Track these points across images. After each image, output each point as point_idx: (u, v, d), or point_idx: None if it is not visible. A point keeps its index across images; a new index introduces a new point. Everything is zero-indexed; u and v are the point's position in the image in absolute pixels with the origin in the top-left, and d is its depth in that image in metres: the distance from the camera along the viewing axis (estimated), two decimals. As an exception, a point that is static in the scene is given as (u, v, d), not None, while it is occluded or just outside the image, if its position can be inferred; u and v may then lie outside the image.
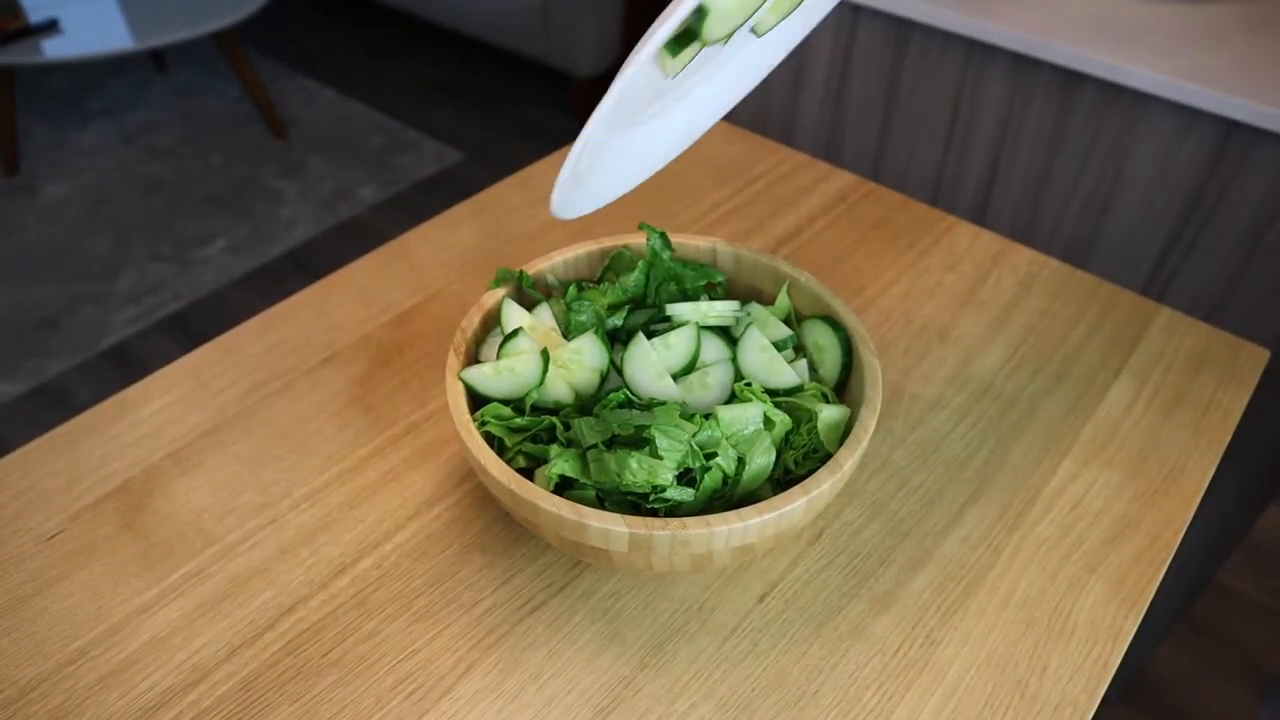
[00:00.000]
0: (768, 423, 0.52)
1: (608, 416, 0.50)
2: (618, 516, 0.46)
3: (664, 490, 0.48)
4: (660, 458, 0.48)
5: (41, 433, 0.69)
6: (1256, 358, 0.74)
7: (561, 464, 0.49)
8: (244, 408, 0.70)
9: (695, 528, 0.46)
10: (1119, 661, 0.55)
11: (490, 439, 0.53)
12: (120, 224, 2.44)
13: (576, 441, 0.51)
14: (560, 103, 2.89)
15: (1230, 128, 1.03)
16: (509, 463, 0.52)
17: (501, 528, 0.61)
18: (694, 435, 0.49)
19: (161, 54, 3.05)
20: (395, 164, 2.65)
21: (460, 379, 0.54)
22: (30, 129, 2.79)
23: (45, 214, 2.48)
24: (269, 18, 3.12)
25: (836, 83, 1.34)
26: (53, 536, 0.61)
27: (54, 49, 2.35)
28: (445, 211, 0.88)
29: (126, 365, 2.06)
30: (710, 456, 0.49)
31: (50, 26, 2.40)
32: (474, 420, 0.52)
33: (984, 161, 1.25)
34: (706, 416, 0.51)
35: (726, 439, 0.50)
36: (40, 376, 2.03)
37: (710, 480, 0.49)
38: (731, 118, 1.46)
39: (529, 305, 0.62)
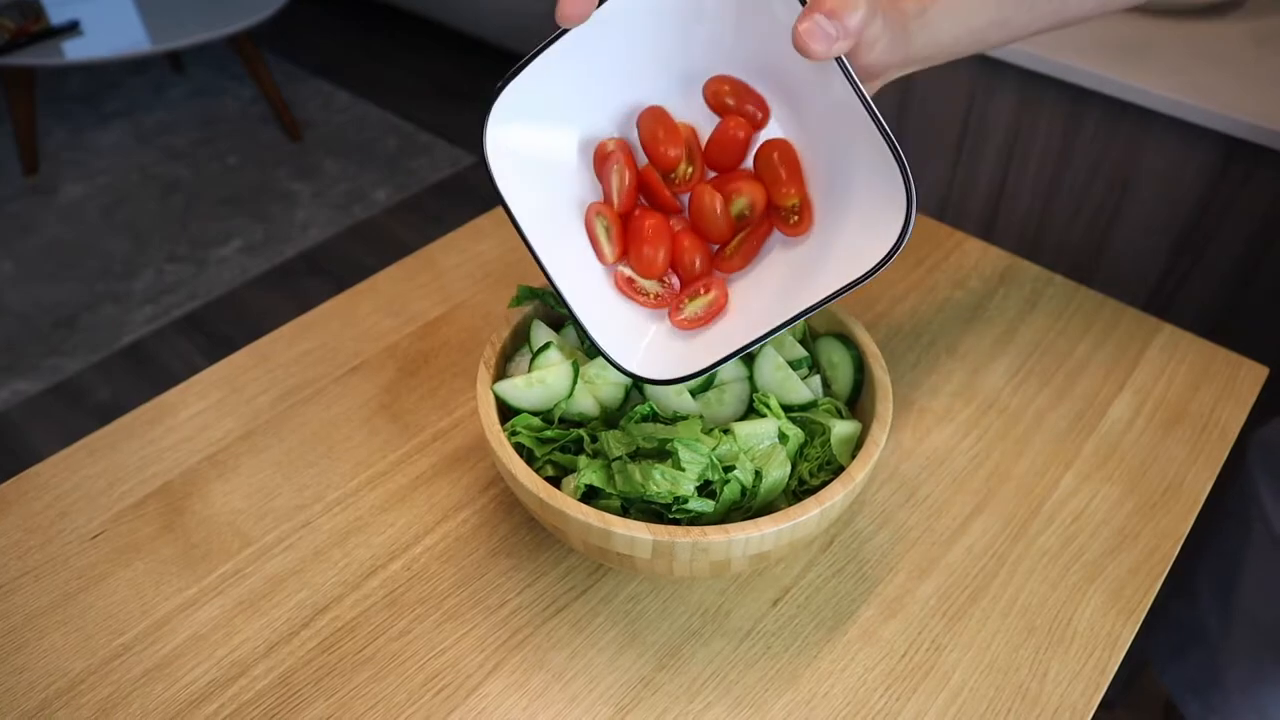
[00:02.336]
0: (782, 437, 0.55)
1: (632, 430, 0.53)
2: (642, 525, 0.49)
3: (686, 501, 0.51)
4: (682, 469, 0.50)
5: (61, 430, 0.72)
6: (1255, 374, 0.76)
7: (589, 474, 0.52)
8: (276, 414, 0.72)
9: (715, 535, 0.49)
10: (1117, 668, 0.57)
11: (520, 449, 0.55)
12: (137, 224, 2.48)
13: (603, 453, 0.53)
14: (572, 107, 2.91)
15: (1233, 145, 1.06)
16: (537, 471, 0.55)
17: (526, 532, 0.64)
18: (714, 449, 0.52)
19: (178, 55, 3.09)
20: (409, 167, 2.68)
21: (493, 391, 0.56)
22: (49, 129, 2.83)
23: (64, 214, 2.52)
24: (285, 20, 3.15)
25: (848, 96, 1.36)
26: (96, 536, 0.64)
27: (74, 50, 2.39)
28: (468, 223, 0.91)
29: (143, 364, 2.09)
30: (729, 470, 0.52)
31: (71, 28, 2.44)
32: (504, 430, 0.55)
33: (993, 175, 1.28)
34: (725, 431, 0.54)
35: (744, 453, 0.53)
36: (59, 374, 2.06)
37: (729, 492, 0.51)
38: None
39: (554, 322, 0.65)
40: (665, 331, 0.56)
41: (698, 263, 0.55)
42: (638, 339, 0.55)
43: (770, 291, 0.54)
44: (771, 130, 0.54)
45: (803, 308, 0.49)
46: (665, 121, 0.54)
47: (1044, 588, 0.61)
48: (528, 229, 0.54)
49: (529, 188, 0.54)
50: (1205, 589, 0.92)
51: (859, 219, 0.50)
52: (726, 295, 0.55)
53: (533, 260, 0.54)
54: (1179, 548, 0.64)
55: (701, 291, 0.55)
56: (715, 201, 0.54)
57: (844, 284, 0.48)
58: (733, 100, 0.52)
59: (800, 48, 0.42)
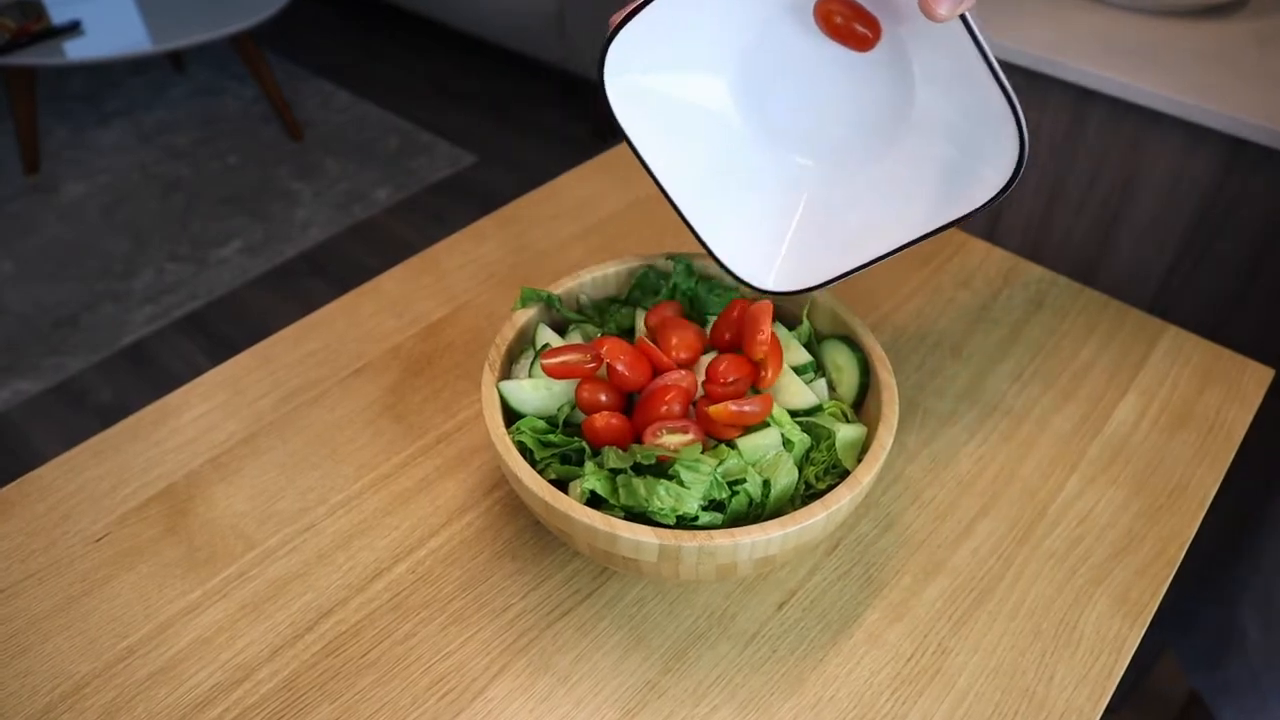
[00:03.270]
0: (786, 443, 0.54)
1: (633, 447, 0.53)
2: (648, 528, 0.49)
3: (695, 519, 0.51)
4: (686, 487, 0.50)
5: (63, 430, 0.72)
6: (1261, 376, 0.76)
7: (594, 481, 0.51)
8: (280, 416, 0.72)
9: (721, 539, 0.49)
10: (1123, 671, 0.57)
11: (523, 450, 0.55)
12: (138, 223, 2.48)
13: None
14: (574, 107, 2.91)
15: (1238, 145, 1.05)
16: (540, 473, 0.54)
17: (531, 535, 0.63)
18: (717, 468, 0.52)
19: (179, 55, 3.09)
20: (409, 166, 2.68)
21: (498, 389, 0.56)
22: (51, 128, 2.82)
23: (65, 213, 2.51)
24: (286, 20, 3.15)
25: (850, 96, 1.36)
26: (100, 539, 0.64)
27: (75, 50, 2.39)
28: (471, 225, 0.90)
29: (144, 364, 2.09)
30: (736, 484, 0.52)
31: (72, 28, 2.43)
32: (510, 433, 0.55)
33: (995, 176, 1.27)
34: (731, 445, 0.54)
35: (752, 466, 0.52)
36: (60, 374, 2.06)
37: (737, 503, 0.51)
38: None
39: (559, 324, 0.65)
40: (796, 246, 0.62)
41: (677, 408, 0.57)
42: (768, 260, 0.62)
43: (887, 214, 0.58)
44: (880, 51, 0.54)
45: (917, 235, 0.55)
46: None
47: (1050, 590, 0.61)
48: (660, 174, 0.59)
49: (656, 130, 0.58)
50: (1246, 597, 0.91)
51: (973, 154, 0.53)
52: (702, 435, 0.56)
53: (665, 192, 0.60)
54: (1185, 550, 0.64)
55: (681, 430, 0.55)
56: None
57: (955, 217, 0.53)
58: (842, 19, 0.53)
59: (926, 11, 0.43)
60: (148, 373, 2.07)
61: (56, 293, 2.27)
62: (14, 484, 0.67)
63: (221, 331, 2.16)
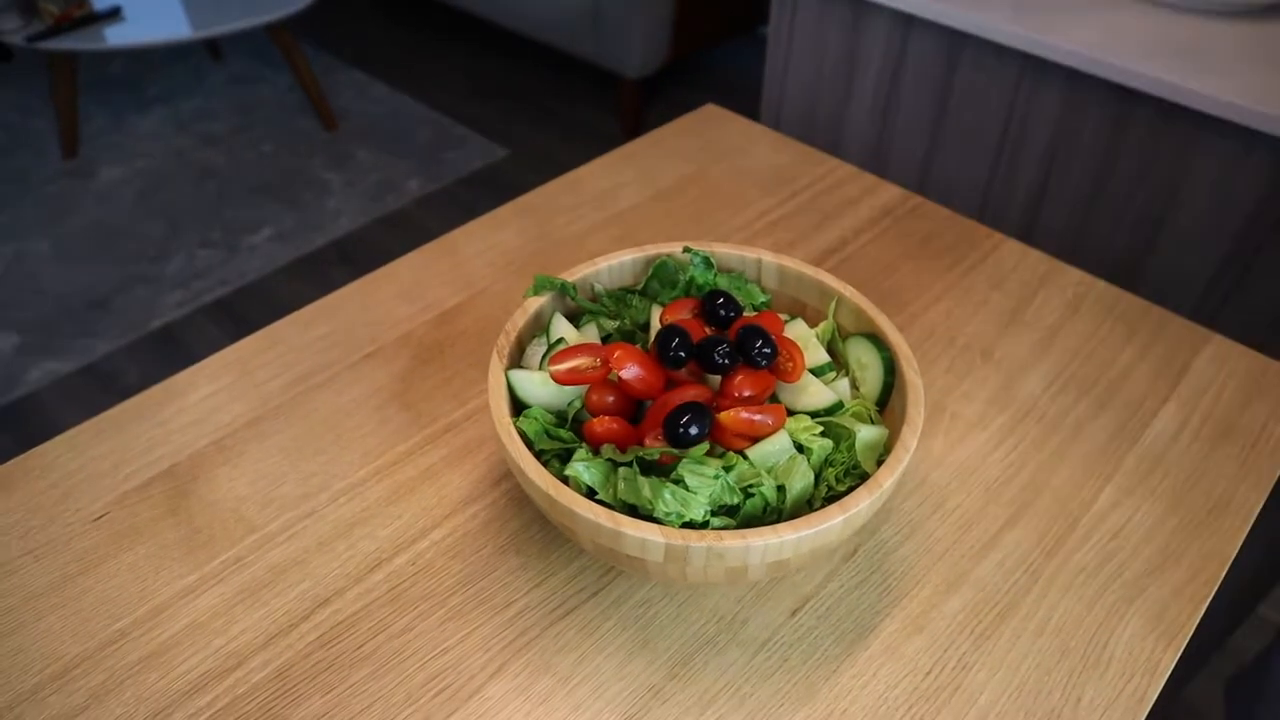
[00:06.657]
0: (804, 449, 0.52)
1: (632, 448, 0.51)
2: (654, 526, 0.47)
3: (706, 525, 0.48)
4: (693, 492, 0.48)
5: (89, 411, 0.71)
6: (1310, 390, 0.72)
7: (585, 473, 0.49)
8: (287, 399, 0.71)
9: (731, 541, 0.46)
10: (1156, 696, 0.54)
11: (528, 440, 0.53)
12: (172, 209, 2.49)
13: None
14: (607, 103, 2.89)
15: (1291, 152, 1.01)
16: (546, 464, 0.52)
17: (537, 530, 0.61)
18: (727, 472, 0.49)
19: (216, 43, 3.11)
20: (442, 158, 2.67)
21: (507, 376, 0.54)
22: (90, 113, 2.85)
23: (101, 196, 2.54)
24: (323, 10, 3.16)
25: (886, 92, 1.33)
26: (99, 518, 0.63)
27: (116, 36, 2.41)
28: (491, 211, 0.89)
29: (172, 348, 2.10)
30: (750, 488, 0.49)
31: (113, 14, 2.46)
32: (518, 421, 0.53)
33: (1034, 177, 1.23)
34: (741, 454, 0.51)
35: (766, 472, 0.50)
36: (89, 355, 2.07)
37: (751, 506, 0.49)
38: (780, 124, 1.46)
39: (574, 312, 0.63)
40: None
41: None
42: None
43: None
44: None
45: None
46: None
47: (1079, 608, 0.58)
48: None
49: None
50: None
51: None
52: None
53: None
54: (1225, 570, 0.61)
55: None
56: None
57: None
58: None
59: None
60: (175, 356, 2.07)
61: (90, 274, 2.29)
62: (16, 460, 0.66)
63: (249, 317, 2.16)
